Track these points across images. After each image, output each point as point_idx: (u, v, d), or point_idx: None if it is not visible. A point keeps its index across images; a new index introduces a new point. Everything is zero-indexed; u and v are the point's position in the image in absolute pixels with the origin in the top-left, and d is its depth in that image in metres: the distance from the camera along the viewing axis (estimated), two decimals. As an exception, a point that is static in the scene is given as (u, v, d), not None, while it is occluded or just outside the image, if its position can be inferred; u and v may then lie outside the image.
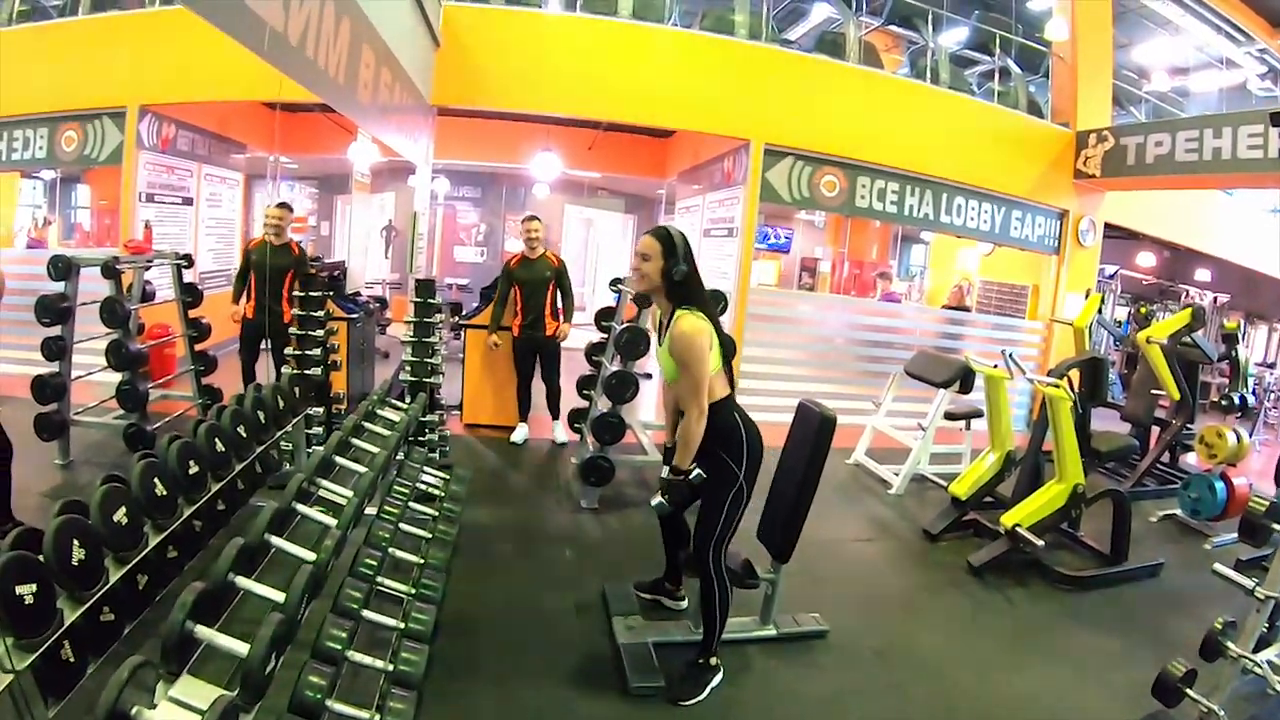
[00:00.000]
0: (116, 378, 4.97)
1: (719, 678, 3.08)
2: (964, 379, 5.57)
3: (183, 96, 7.32)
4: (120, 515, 2.19)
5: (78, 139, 7.32)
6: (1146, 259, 13.42)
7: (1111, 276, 11.91)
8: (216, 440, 2.96)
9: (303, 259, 5.63)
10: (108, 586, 2.09)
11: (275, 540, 2.36)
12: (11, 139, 7.56)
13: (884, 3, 9.60)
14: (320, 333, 5.12)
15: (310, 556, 2.29)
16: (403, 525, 3.34)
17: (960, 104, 8.29)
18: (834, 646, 3.48)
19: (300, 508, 2.60)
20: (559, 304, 6.02)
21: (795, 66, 7.64)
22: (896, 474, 5.89)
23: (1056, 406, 4.48)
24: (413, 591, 2.84)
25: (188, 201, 8.29)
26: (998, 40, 9.54)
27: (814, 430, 3.12)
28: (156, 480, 2.44)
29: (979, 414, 5.72)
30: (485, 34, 7.08)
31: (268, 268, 5.55)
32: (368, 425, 3.83)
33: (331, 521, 2.56)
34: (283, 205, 5.73)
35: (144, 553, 2.29)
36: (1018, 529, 4.39)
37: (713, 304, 2.95)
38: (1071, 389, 4.60)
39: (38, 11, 7.84)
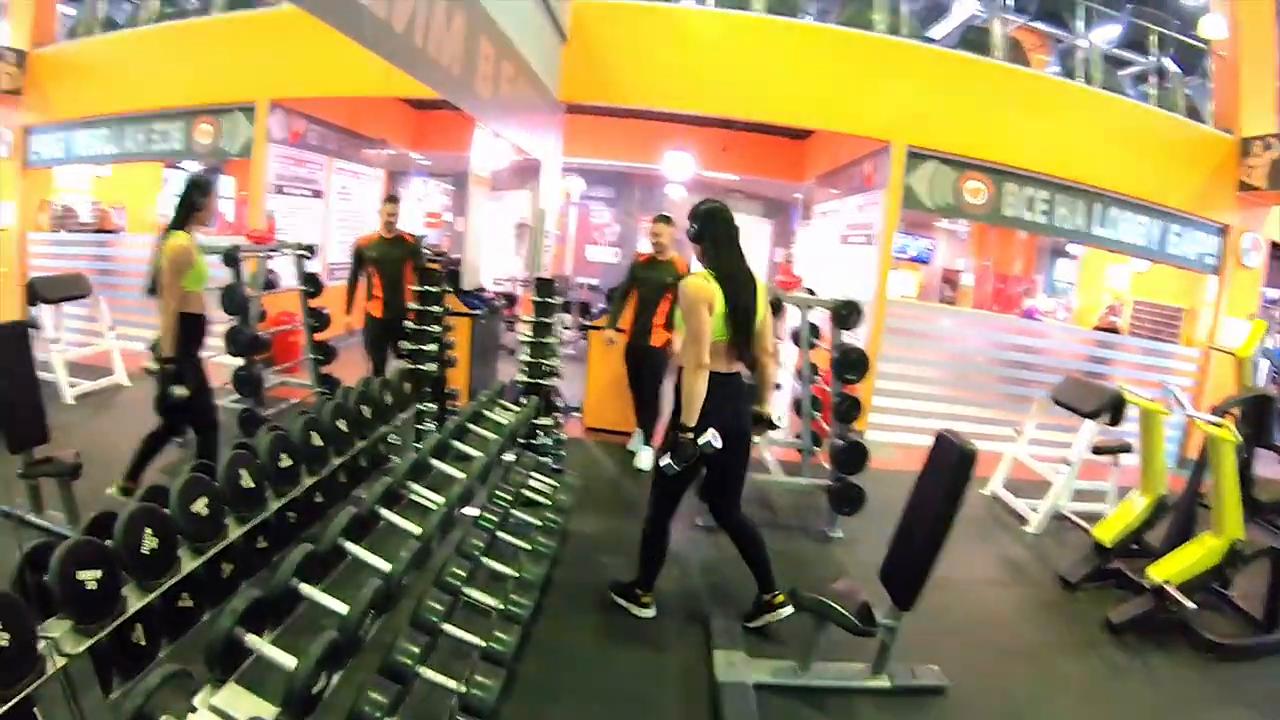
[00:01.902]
0: (237, 362, 5.12)
1: (647, 613, 3.44)
2: (1115, 410, 5.02)
3: (306, 91, 7.56)
4: (200, 506, 2.12)
5: (212, 132, 7.68)
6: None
7: (1275, 301, 10.79)
8: (313, 434, 2.88)
9: (416, 248, 5.68)
10: (181, 575, 2.02)
11: (350, 546, 2.23)
12: (152, 131, 8.00)
13: (1030, -2, 8.95)
14: (436, 328, 5.07)
15: (385, 568, 2.14)
16: (500, 534, 3.18)
17: (1115, 105, 7.54)
18: (953, 705, 3.09)
19: (384, 513, 2.46)
20: (674, 316, 5.62)
21: (938, 64, 7.17)
22: (1034, 509, 5.35)
23: (1219, 449, 3.91)
24: (500, 607, 2.66)
25: (318, 194, 8.54)
26: (1153, 38, 8.72)
27: (952, 465, 2.75)
28: (243, 472, 2.36)
29: (1128, 449, 5.16)
30: (614, 29, 6.98)
31: (386, 261, 5.64)
32: (472, 427, 3.70)
33: (417, 530, 2.41)
34: (392, 199, 5.81)
35: (225, 543, 2.22)
36: (1166, 587, 3.87)
37: (739, 279, 3.20)
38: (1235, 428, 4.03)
39: (177, 10, 8.26)
